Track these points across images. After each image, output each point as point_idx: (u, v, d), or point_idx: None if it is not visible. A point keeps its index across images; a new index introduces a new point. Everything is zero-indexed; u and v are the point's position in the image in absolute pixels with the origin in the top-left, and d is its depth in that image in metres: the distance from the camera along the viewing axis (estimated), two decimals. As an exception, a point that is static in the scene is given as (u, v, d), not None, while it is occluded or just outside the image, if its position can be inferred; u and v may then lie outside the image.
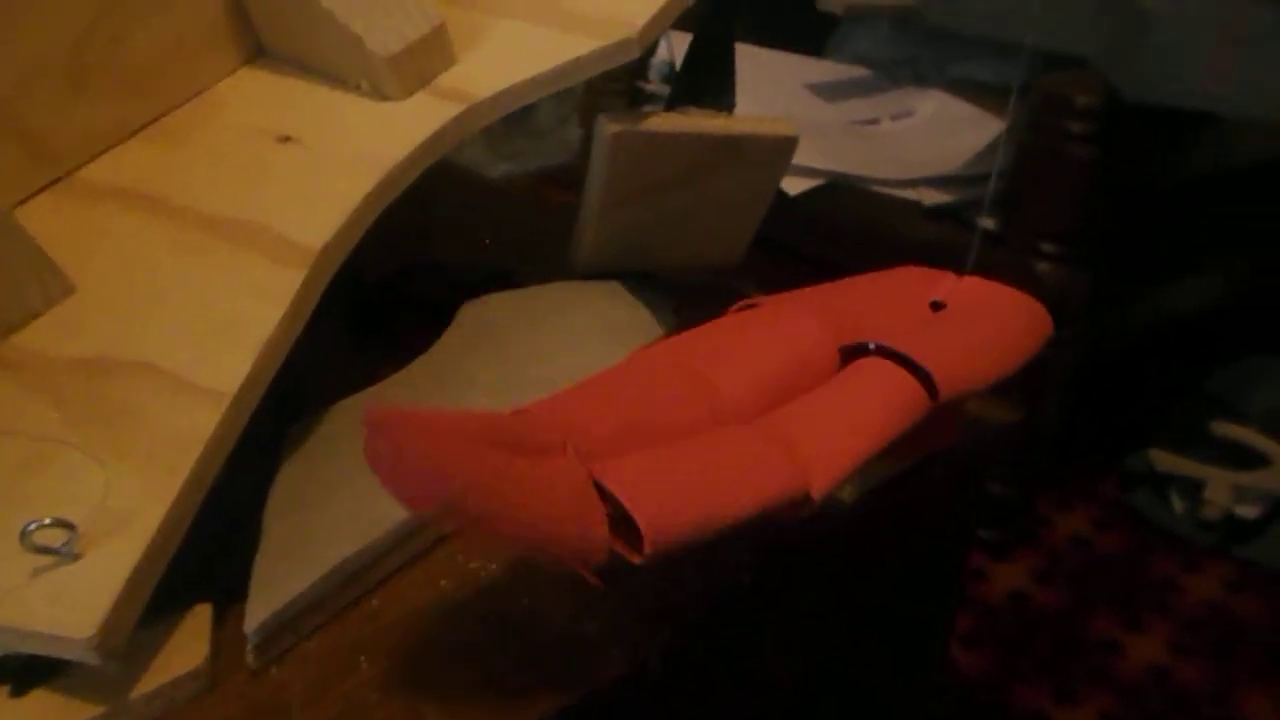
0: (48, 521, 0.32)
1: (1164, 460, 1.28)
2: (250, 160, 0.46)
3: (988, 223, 1.16)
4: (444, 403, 0.46)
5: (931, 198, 1.18)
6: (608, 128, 0.47)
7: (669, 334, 0.50)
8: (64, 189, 0.46)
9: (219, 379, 0.37)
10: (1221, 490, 1.24)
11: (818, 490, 0.35)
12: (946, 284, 0.46)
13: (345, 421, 0.44)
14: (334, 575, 0.37)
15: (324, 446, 0.43)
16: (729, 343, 0.41)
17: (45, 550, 0.32)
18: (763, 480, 0.35)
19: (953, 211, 1.17)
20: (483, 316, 0.51)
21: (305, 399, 0.46)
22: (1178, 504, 1.28)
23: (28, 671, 0.33)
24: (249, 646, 0.36)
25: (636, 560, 0.32)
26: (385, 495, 0.40)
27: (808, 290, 0.46)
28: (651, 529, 0.32)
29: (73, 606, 0.32)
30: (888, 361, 0.39)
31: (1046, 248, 1.10)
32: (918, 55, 1.49)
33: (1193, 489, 1.26)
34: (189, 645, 0.35)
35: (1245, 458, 1.25)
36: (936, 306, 0.45)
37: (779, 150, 0.55)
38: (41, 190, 0.45)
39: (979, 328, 0.42)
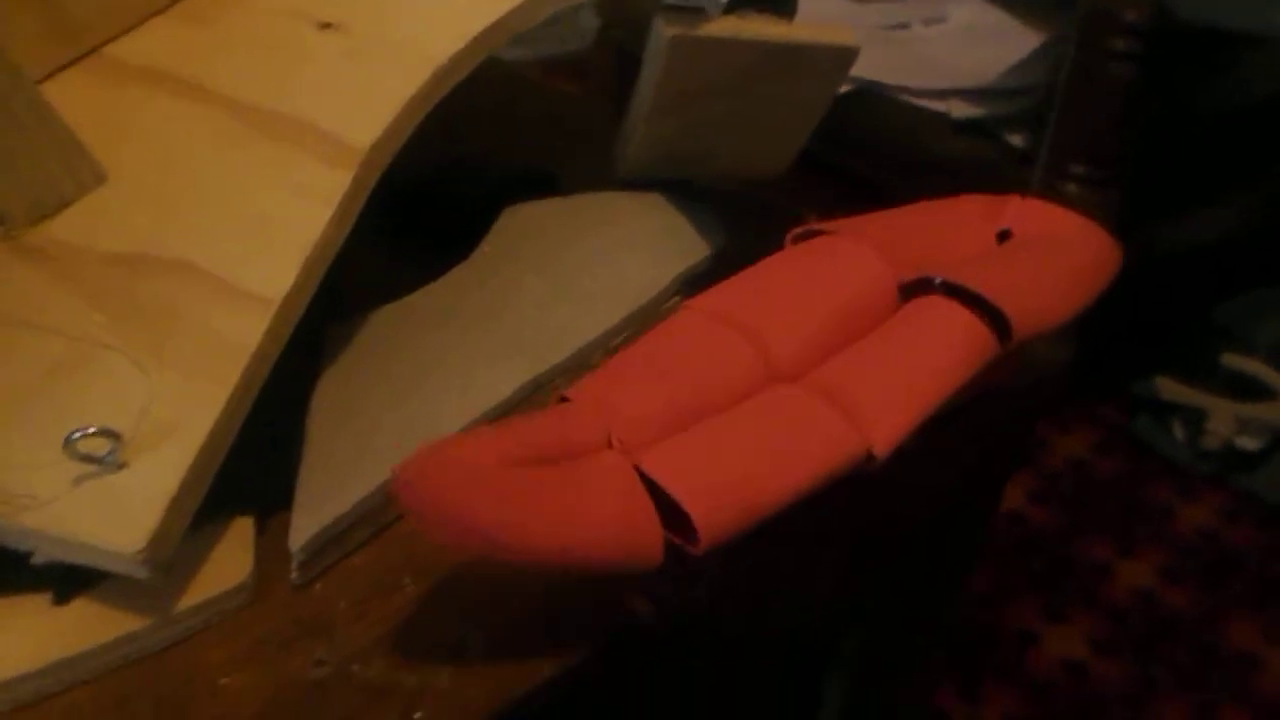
0: (93, 430, 0.31)
1: (1169, 388, 1.28)
2: (289, 47, 0.43)
3: (1016, 140, 1.13)
4: (491, 311, 0.44)
5: (962, 110, 1.15)
6: (665, 30, 0.45)
7: (717, 252, 0.49)
8: (88, 67, 0.43)
9: (265, 284, 0.35)
10: (1224, 420, 1.24)
11: (881, 448, 0.34)
12: (1011, 209, 0.44)
13: (388, 327, 0.43)
14: (381, 491, 0.36)
15: (368, 353, 0.41)
16: (780, 288, 0.39)
17: (89, 459, 0.31)
18: (820, 448, 0.33)
19: (982, 126, 1.13)
20: (525, 222, 0.49)
21: (342, 299, 0.45)
22: (1179, 432, 1.29)
23: (69, 579, 0.32)
24: (294, 563, 0.35)
25: (695, 552, 0.32)
26: (434, 407, 0.39)
27: (863, 219, 0.44)
28: (706, 521, 0.31)
29: (119, 518, 0.31)
30: (952, 301, 0.38)
31: (1077, 169, 1.07)
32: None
33: (1196, 418, 1.26)
34: (232, 558, 0.34)
35: (1250, 390, 1.25)
36: (1003, 236, 0.43)
37: (838, 61, 0.53)
38: (64, 67, 0.43)
39: (1050, 260, 0.40)
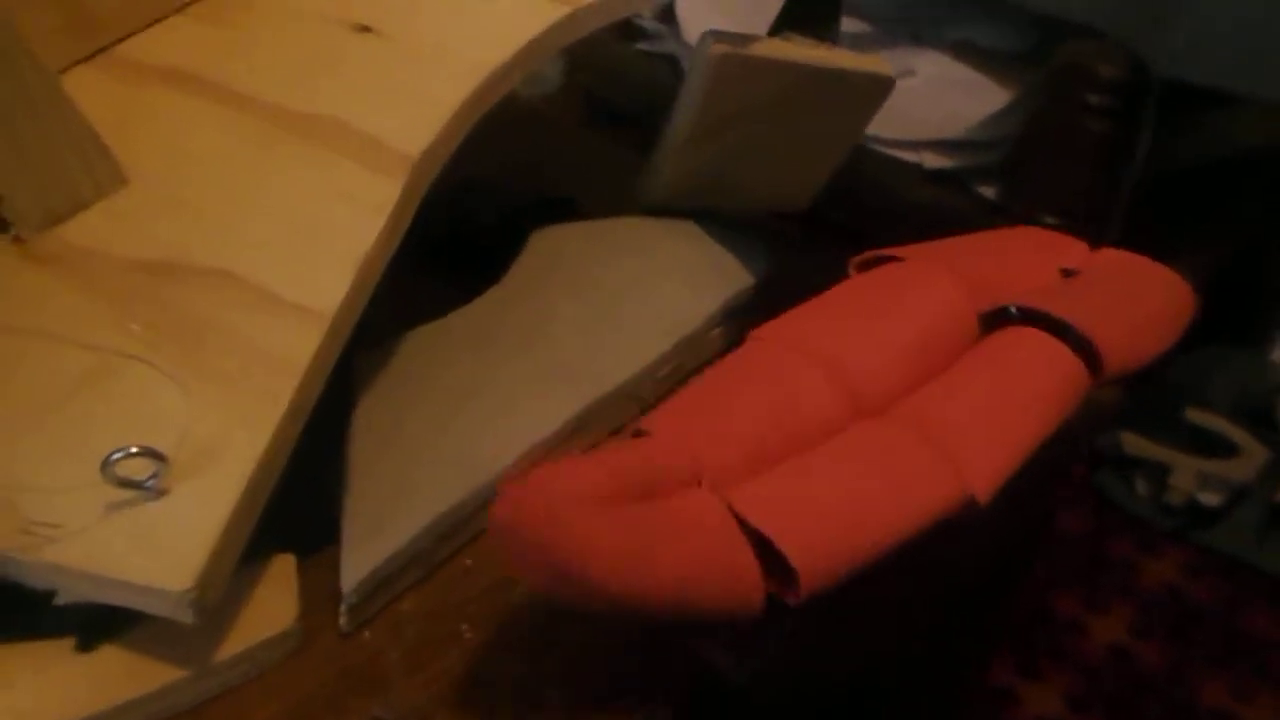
0: (135, 450, 0.27)
1: (1133, 443, 1.29)
2: (322, 50, 0.40)
3: (988, 191, 1.14)
4: (528, 337, 0.41)
5: (933, 161, 1.15)
6: (713, 48, 0.43)
7: (760, 282, 0.46)
8: (104, 65, 0.40)
9: (315, 296, 0.32)
10: (1186, 476, 1.25)
11: (983, 491, 0.32)
12: (1078, 252, 0.42)
13: (424, 351, 0.39)
14: (435, 527, 0.33)
15: (405, 379, 0.38)
16: (854, 315, 0.37)
17: (127, 484, 0.27)
18: (921, 491, 0.31)
19: (954, 176, 1.14)
20: (556, 246, 0.46)
21: (369, 324, 0.41)
22: (1142, 487, 1.29)
23: (95, 624, 0.28)
24: (343, 607, 0.31)
25: (792, 602, 0.29)
26: (479, 438, 0.36)
27: (928, 245, 0.42)
28: (810, 570, 0.28)
29: (163, 553, 0.27)
30: (1040, 331, 0.36)
31: (1048, 220, 1.08)
32: (917, 15, 1.46)
33: (1158, 473, 1.27)
34: (276, 602, 0.30)
35: (1213, 445, 1.27)
36: (1067, 274, 0.42)
37: (875, 90, 0.51)
38: (79, 63, 0.39)
39: (1133, 297, 0.38)
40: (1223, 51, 0.97)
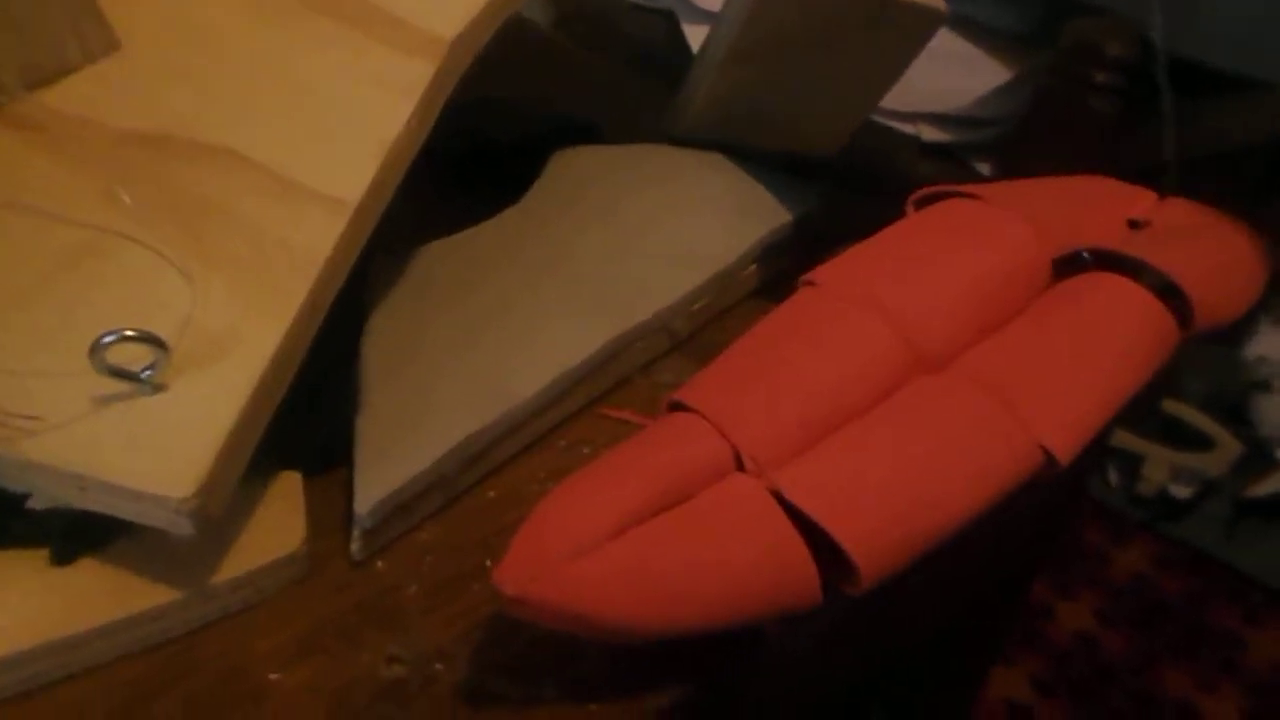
0: (130, 333, 0.23)
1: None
2: (343, -75, 0.36)
3: (984, 168, 1.12)
4: (548, 261, 0.38)
5: (931, 134, 1.13)
6: (759, -37, 0.40)
7: (799, 220, 0.43)
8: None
9: (337, 183, 0.28)
10: (1159, 468, 1.25)
11: (1064, 450, 0.28)
12: (1146, 200, 0.39)
13: (441, 266, 0.36)
14: (459, 452, 0.29)
15: (422, 293, 0.34)
16: (917, 258, 0.33)
17: (120, 374, 0.24)
18: (993, 458, 0.27)
19: (951, 151, 1.12)
20: (578, 170, 0.43)
21: (380, 232, 0.38)
22: (1114, 477, 1.29)
23: (75, 533, 0.24)
24: (355, 532, 0.27)
25: (853, 593, 0.26)
26: (507, 359, 0.33)
27: (993, 185, 0.39)
28: (871, 562, 0.25)
29: (160, 454, 0.23)
30: (1124, 277, 0.33)
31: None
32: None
33: (1131, 464, 1.27)
34: (282, 522, 0.27)
35: (1186, 438, 1.26)
36: (1135, 225, 0.39)
37: (922, 23, 0.48)
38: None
39: (1215, 248, 0.36)
40: (1233, 33, 0.96)
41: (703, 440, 0.27)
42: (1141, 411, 1.28)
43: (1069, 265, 0.34)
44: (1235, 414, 1.30)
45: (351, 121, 0.30)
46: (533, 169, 0.43)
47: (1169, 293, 0.32)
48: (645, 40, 1.05)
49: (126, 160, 0.29)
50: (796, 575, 0.26)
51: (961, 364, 0.31)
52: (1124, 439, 1.26)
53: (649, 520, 0.25)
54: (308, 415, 0.31)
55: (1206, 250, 0.35)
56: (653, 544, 0.25)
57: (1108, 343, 0.31)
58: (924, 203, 0.37)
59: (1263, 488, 1.24)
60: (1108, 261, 0.34)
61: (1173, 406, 1.27)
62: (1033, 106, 1.11)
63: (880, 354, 0.30)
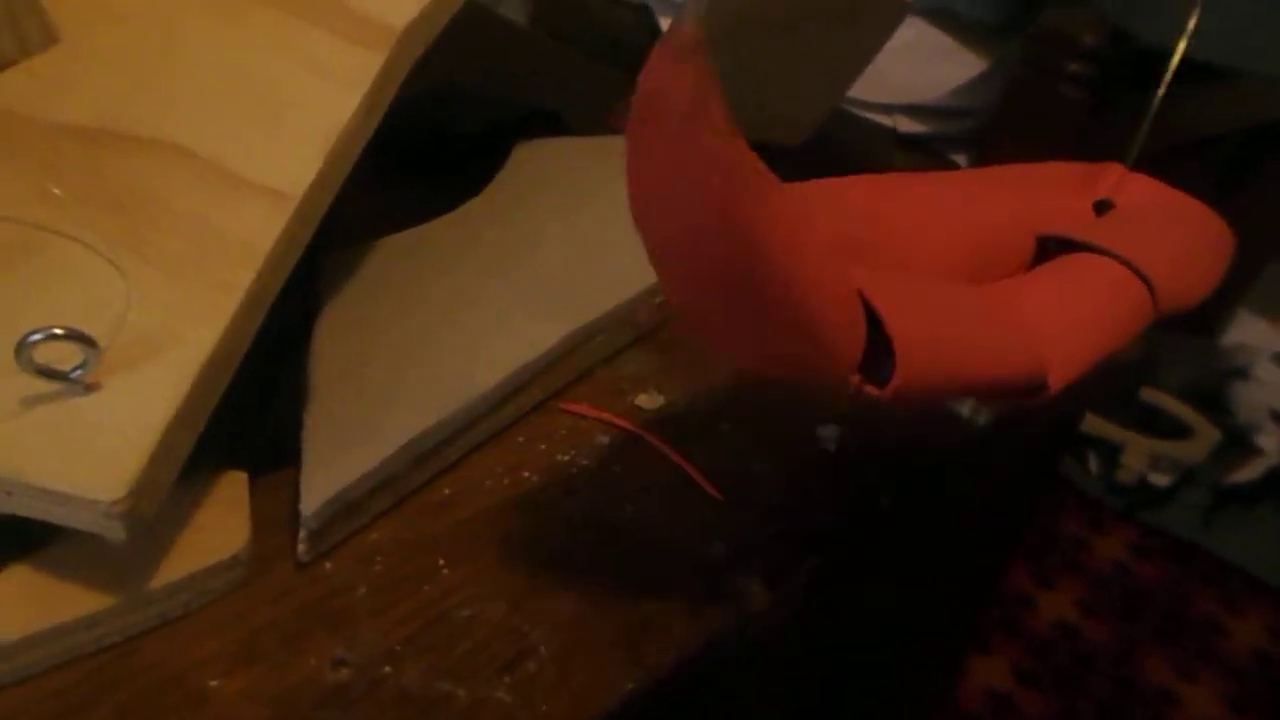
0: (59, 331, 0.23)
1: (1088, 421, 1.28)
2: (291, -88, 0.35)
3: (960, 159, 1.11)
4: (509, 254, 0.37)
5: (906, 126, 1.13)
6: (728, -57, 0.39)
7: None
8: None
9: (280, 175, 0.28)
10: (1138, 455, 1.25)
11: (1056, 380, 0.28)
12: (1110, 178, 0.39)
13: (397, 260, 0.35)
14: (412, 449, 0.29)
15: (377, 288, 0.34)
16: (909, 204, 0.33)
17: (49, 374, 0.23)
18: (1013, 347, 0.28)
19: (926, 142, 1.12)
20: (542, 161, 0.42)
21: (331, 227, 0.37)
22: (1094, 465, 1.29)
23: (2, 539, 0.24)
24: (301, 533, 0.27)
25: (882, 396, 0.25)
26: (467, 354, 0.32)
27: (972, 171, 0.39)
28: (908, 359, 0.24)
29: (90, 455, 0.22)
30: (1111, 259, 0.33)
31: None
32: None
33: (1111, 452, 1.27)
34: (224, 523, 0.26)
35: (1166, 427, 1.26)
36: (1101, 207, 0.39)
37: (890, 13, 0.48)
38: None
39: (1177, 233, 0.35)
40: (1211, 24, 0.95)
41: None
42: (1120, 399, 1.28)
43: (1040, 250, 0.34)
44: (1213, 402, 1.30)
45: (296, 113, 0.29)
46: (495, 160, 0.42)
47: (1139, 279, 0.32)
48: (622, 33, 1.04)
49: (62, 154, 0.28)
50: (845, 336, 0.24)
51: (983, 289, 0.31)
52: (1103, 428, 1.26)
53: None
54: (257, 412, 0.30)
55: (1170, 234, 0.35)
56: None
57: (1096, 301, 0.31)
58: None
59: (1241, 474, 1.25)
60: (1075, 248, 0.33)
61: (1151, 395, 1.27)
62: (1006, 96, 1.11)
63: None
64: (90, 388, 0.23)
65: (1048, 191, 0.39)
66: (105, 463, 0.22)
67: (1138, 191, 0.39)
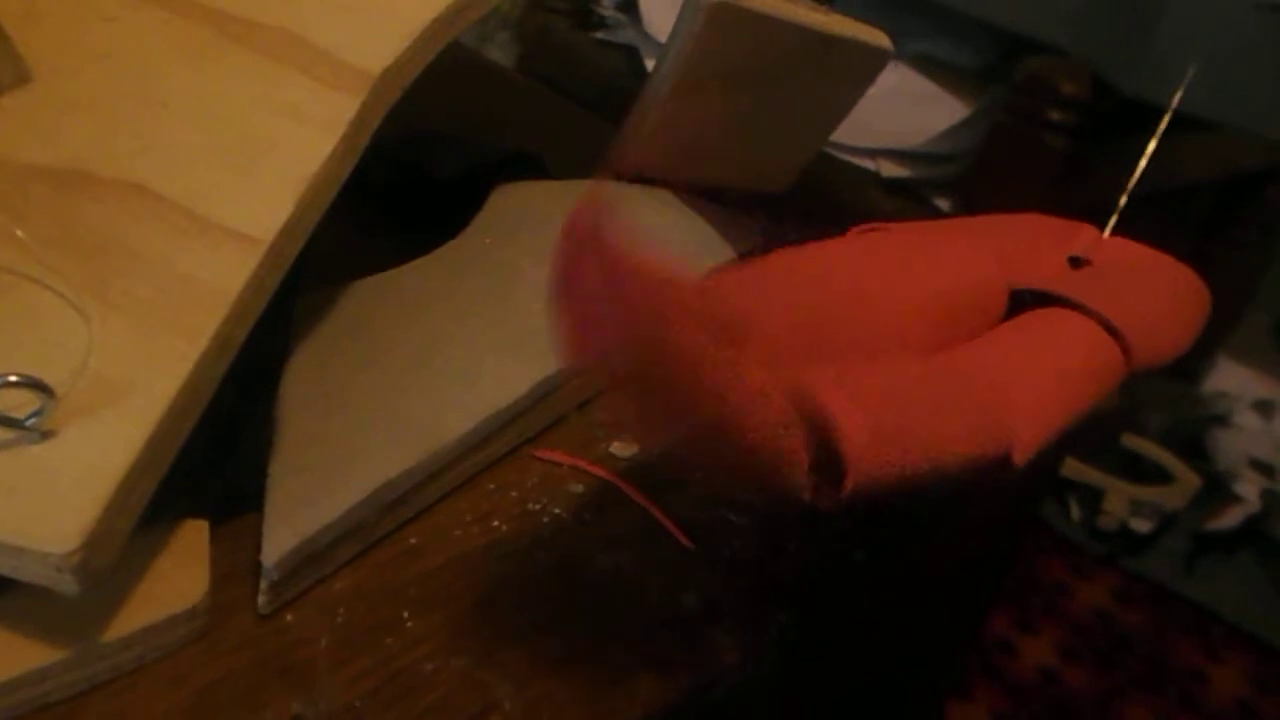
0: (13, 379, 0.22)
1: (1069, 466, 1.29)
2: (272, -44, 0.35)
3: (943, 204, 1.12)
4: (483, 298, 0.37)
5: (890, 170, 1.14)
6: (706, -4, 0.39)
7: (745, 254, 0.43)
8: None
9: (250, 220, 0.27)
10: (1119, 501, 1.25)
11: (1020, 453, 0.28)
12: (1086, 237, 0.39)
13: (371, 303, 0.35)
14: (378, 498, 0.28)
15: (349, 332, 0.33)
16: (888, 258, 0.33)
17: (4, 421, 0.22)
18: (975, 427, 0.27)
19: (911, 187, 1.12)
20: (521, 205, 0.42)
21: (304, 271, 0.37)
22: (1075, 511, 1.29)
23: (-48, 591, 0.23)
24: (263, 584, 0.26)
25: (837, 497, 0.25)
26: (436, 399, 0.32)
27: (948, 222, 0.39)
28: (859, 462, 0.24)
29: (43, 505, 0.22)
30: (1079, 314, 0.33)
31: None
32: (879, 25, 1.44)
33: (1092, 498, 1.27)
34: (181, 574, 0.26)
35: (1146, 472, 1.27)
36: (1075, 263, 0.39)
37: (871, 62, 0.48)
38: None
39: (1153, 292, 0.35)
40: (1191, 76, 0.97)
41: (725, 303, 0.26)
42: (1101, 445, 1.28)
43: (1020, 301, 0.34)
44: (1194, 448, 1.31)
45: (269, 157, 0.29)
46: (473, 204, 0.42)
47: (1112, 335, 0.32)
48: (612, 76, 1.04)
49: (29, 196, 0.27)
50: (786, 445, 0.24)
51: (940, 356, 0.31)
52: (1084, 472, 1.26)
53: None
54: (222, 458, 0.30)
55: (1144, 291, 0.35)
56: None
57: (1065, 363, 0.31)
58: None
59: (1221, 521, 1.25)
60: (1048, 303, 0.33)
61: (1132, 441, 1.27)
62: (988, 142, 1.12)
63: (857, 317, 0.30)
64: (46, 435, 0.23)
65: (1023, 245, 0.39)
66: (58, 514, 0.22)
67: (1113, 249, 0.39)
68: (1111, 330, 0.32)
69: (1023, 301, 0.34)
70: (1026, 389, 0.29)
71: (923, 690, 0.58)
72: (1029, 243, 0.39)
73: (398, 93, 0.32)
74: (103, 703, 0.24)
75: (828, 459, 0.24)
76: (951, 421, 0.27)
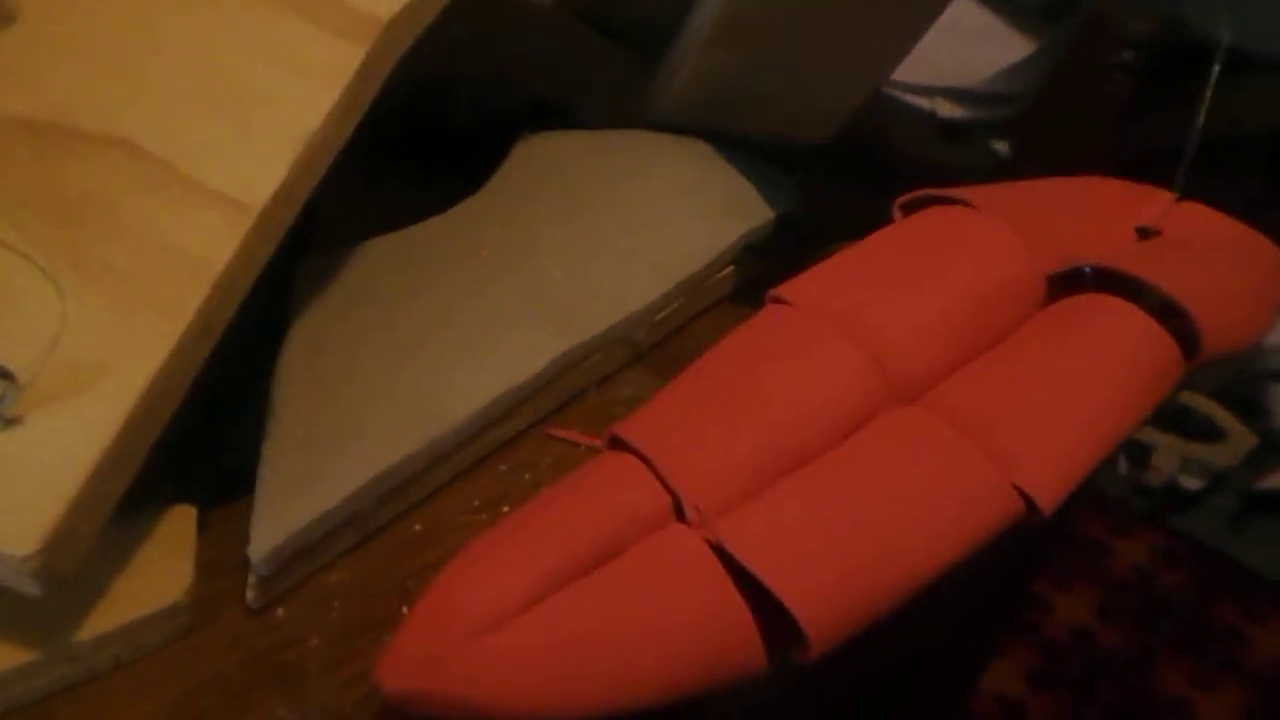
0: (-28, 365, 0.20)
1: (1116, 420, 1.25)
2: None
3: (1001, 147, 1.08)
4: (500, 262, 0.34)
5: (947, 110, 1.09)
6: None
7: (783, 217, 0.40)
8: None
9: (241, 183, 0.25)
10: (1169, 457, 1.22)
11: (1047, 498, 0.25)
12: (1158, 205, 0.36)
13: (379, 269, 0.33)
14: (377, 486, 0.26)
15: (354, 300, 0.31)
16: (897, 274, 0.30)
17: (-36, 409, 0.21)
18: (964, 509, 0.25)
19: (966, 129, 1.08)
20: (547, 159, 0.40)
21: (311, 230, 0.34)
22: (1122, 465, 1.26)
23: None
24: (251, 579, 0.25)
25: (803, 660, 0.23)
26: (444, 376, 0.30)
27: (985, 189, 0.36)
28: (819, 628, 0.22)
29: (3, 503, 0.20)
30: (1122, 299, 0.30)
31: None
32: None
33: (1140, 453, 1.24)
34: (164, 566, 0.24)
35: (1195, 428, 1.23)
36: (1145, 233, 0.36)
37: (928, 3, 0.45)
38: None
39: (1228, 266, 0.32)
40: (1268, 13, 0.91)
41: (638, 487, 0.24)
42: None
43: (1067, 282, 0.31)
44: (1250, 406, 1.26)
45: (264, 112, 0.26)
46: (497, 156, 0.40)
47: (1174, 319, 0.29)
48: (657, 10, 1.00)
49: (6, 151, 0.25)
50: (736, 642, 0.23)
51: (938, 395, 0.28)
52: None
53: (568, 584, 0.22)
54: (219, 438, 0.28)
55: (1220, 269, 0.32)
56: (571, 612, 0.22)
57: (1101, 377, 0.28)
58: (911, 207, 0.34)
59: (1273, 481, 1.21)
60: (1108, 280, 0.30)
61: (1185, 396, 1.23)
62: (1051, 83, 1.07)
63: (850, 382, 0.27)
64: (11, 422, 0.21)
65: (1086, 213, 0.36)
66: (18, 512, 0.20)
67: (1186, 217, 0.36)
68: (1179, 312, 0.29)
69: (1081, 280, 0.31)
70: (1048, 421, 0.26)
71: (956, 664, 0.56)
72: (1095, 209, 0.36)
73: (409, 40, 0.30)
74: (70, 708, 0.22)
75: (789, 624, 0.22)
76: (932, 521, 0.24)
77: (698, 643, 0.23)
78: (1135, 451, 1.24)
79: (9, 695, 0.22)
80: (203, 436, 0.28)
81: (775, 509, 0.24)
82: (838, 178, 0.46)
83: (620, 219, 0.37)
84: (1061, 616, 1.12)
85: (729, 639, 0.23)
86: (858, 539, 0.24)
